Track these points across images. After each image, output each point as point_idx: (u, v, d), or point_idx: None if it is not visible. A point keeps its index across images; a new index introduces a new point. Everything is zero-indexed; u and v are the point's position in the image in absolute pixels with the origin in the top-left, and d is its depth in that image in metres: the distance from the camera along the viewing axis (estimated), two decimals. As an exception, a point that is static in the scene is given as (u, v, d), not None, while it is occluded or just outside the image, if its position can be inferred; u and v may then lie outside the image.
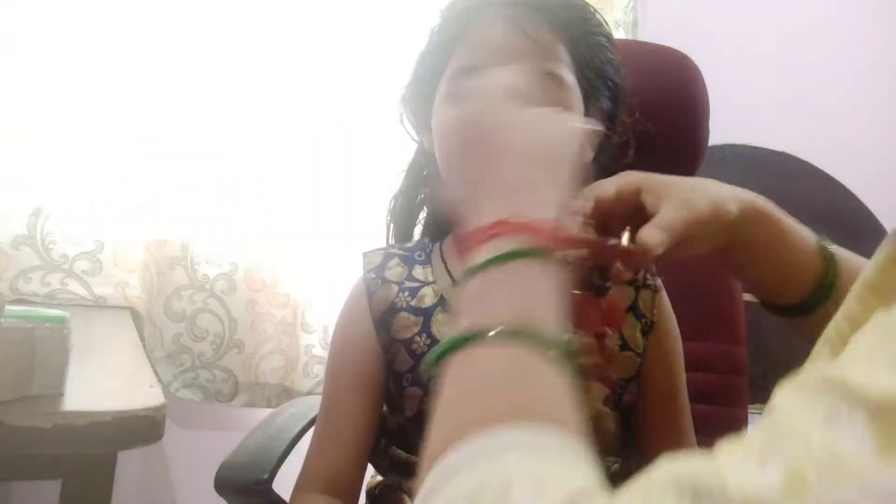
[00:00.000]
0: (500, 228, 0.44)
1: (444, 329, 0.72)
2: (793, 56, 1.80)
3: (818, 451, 0.25)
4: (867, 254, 0.45)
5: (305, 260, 1.42)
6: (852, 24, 1.84)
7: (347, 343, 0.77)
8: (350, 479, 0.76)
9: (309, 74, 1.41)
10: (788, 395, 0.29)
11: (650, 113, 0.93)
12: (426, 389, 0.72)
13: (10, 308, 0.68)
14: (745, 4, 1.82)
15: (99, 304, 1.28)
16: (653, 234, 0.57)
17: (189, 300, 1.37)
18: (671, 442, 0.74)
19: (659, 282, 0.76)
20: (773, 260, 0.65)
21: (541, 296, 0.42)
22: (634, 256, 0.58)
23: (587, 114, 0.71)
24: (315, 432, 0.79)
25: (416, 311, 0.74)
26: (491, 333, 0.39)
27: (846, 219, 1.64)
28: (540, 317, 0.41)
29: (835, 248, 0.66)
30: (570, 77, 0.69)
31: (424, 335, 0.73)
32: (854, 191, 1.70)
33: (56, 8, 1.26)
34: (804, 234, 0.66)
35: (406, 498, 0.75)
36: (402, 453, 0.76)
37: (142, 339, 1.21)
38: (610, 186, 0.62)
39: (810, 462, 0.25)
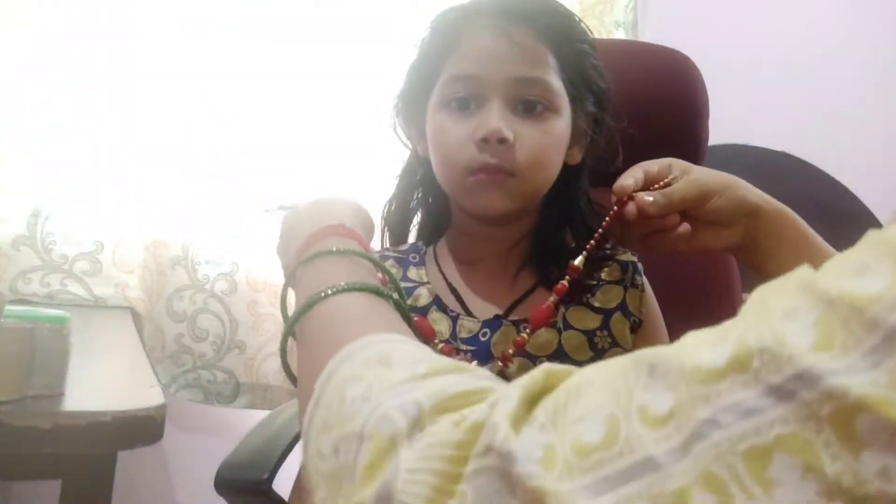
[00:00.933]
0: (329, 231, 0.57)
1: (438, 327, 0.73)
2: (793, 56, 1.80)
3: (767, 337, 0.28)
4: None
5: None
6: (852, 23, 1.84)
7: None
8: None
9: (312, 76, 1.41)
10: (765, 291, 0.31)
11: (650, 113, 0.94)
12: None
13: (10, 308, 0.68)
14: (745, 4, 1.82)
15: (99, 305, 1.28)
16: (646, 197, 0.70)
17: (190, 300, 1.37)
18: None
19: (646, 281, 0.78)
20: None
21: (365, 270, 0.54)
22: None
23: (574, 116, 0.75)
24: None
25: (412, 310, 0.74)
26: (332, 290, 0.50)
27: (846, 219, 1.64)
28: (369, 279, 0.52)
29: None
30: (557, 82, 0.72)
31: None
32: (854, 191, 1.70)
33: (55, 10, 1.27)
34: (833, 253, 0.71)
35: None
36: None
37: (142, 339, 1.21)
38: (654, 164, 0.73)
39: (757, 345, 0.28)
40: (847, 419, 0.25)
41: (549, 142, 0.71)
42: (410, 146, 0.82)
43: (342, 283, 0.50)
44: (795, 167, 1.71)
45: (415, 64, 0.78)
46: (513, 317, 0.74)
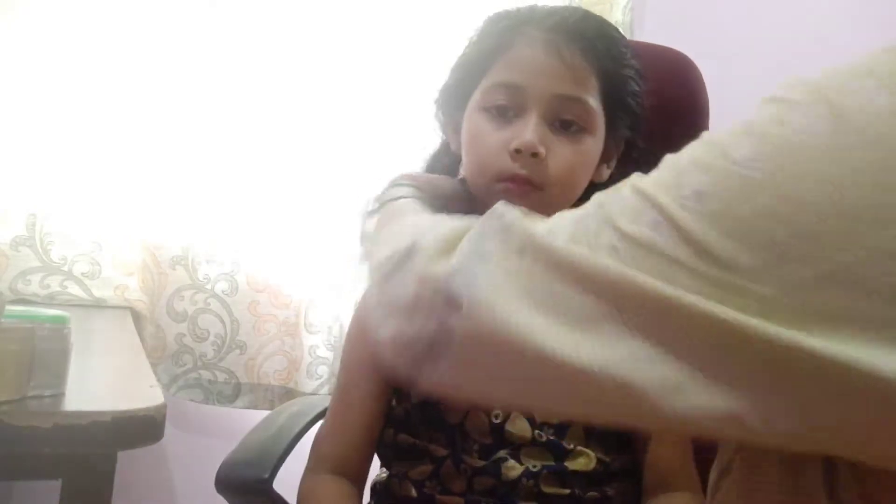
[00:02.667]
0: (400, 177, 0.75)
1: None
2: (793, 56, 1.80)
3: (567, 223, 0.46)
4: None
5: (308, 260, 1.42)
6: (852, 24, 1.84)
7: (363, 332, 0.81)
8: (358, 463, 0.81)
9: (311, 75, 1.41)
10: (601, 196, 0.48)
11: (650, 113, 0.93)
12: None
13: (10, 308, 0.67)
14: (745, 4, 1.82)
15: (99, 305, 1.27)
16: None
17: (191, 300, 1.37)
18: (667, 439, 0.77)
19: None
20: None
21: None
22: None
23: (607, 140, 0.78)
24: (328, 415, 0.84)
25: None
26: (400, 195, 0.70)
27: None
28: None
29: None
30: (596, 104, 0.75)
31: None
32: (854, 191, 1.70)
33: (54, 10, 1.27)
34: None
35: (411, 486, 0.77)
36: (408, 439, 0.79)
37: (142, 339, 1.21)
38: None
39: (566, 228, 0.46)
40: None
41: (580, 161, 0.75)
42: (444, 138, 0.85)
43: (396, 195, 0.70)
44: (795, 167, 1.71)
45: (461, 61, 0.80)
46: None
